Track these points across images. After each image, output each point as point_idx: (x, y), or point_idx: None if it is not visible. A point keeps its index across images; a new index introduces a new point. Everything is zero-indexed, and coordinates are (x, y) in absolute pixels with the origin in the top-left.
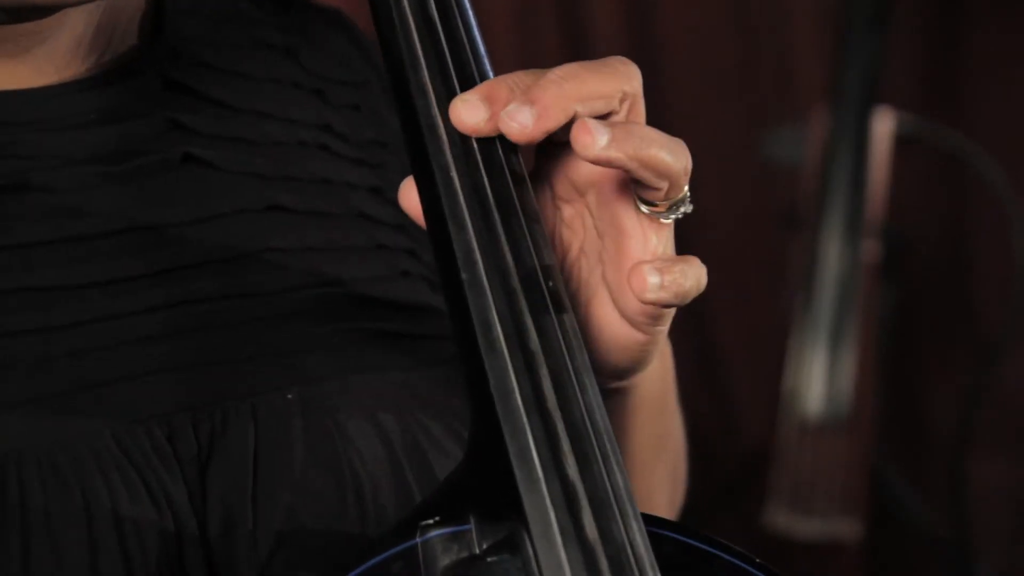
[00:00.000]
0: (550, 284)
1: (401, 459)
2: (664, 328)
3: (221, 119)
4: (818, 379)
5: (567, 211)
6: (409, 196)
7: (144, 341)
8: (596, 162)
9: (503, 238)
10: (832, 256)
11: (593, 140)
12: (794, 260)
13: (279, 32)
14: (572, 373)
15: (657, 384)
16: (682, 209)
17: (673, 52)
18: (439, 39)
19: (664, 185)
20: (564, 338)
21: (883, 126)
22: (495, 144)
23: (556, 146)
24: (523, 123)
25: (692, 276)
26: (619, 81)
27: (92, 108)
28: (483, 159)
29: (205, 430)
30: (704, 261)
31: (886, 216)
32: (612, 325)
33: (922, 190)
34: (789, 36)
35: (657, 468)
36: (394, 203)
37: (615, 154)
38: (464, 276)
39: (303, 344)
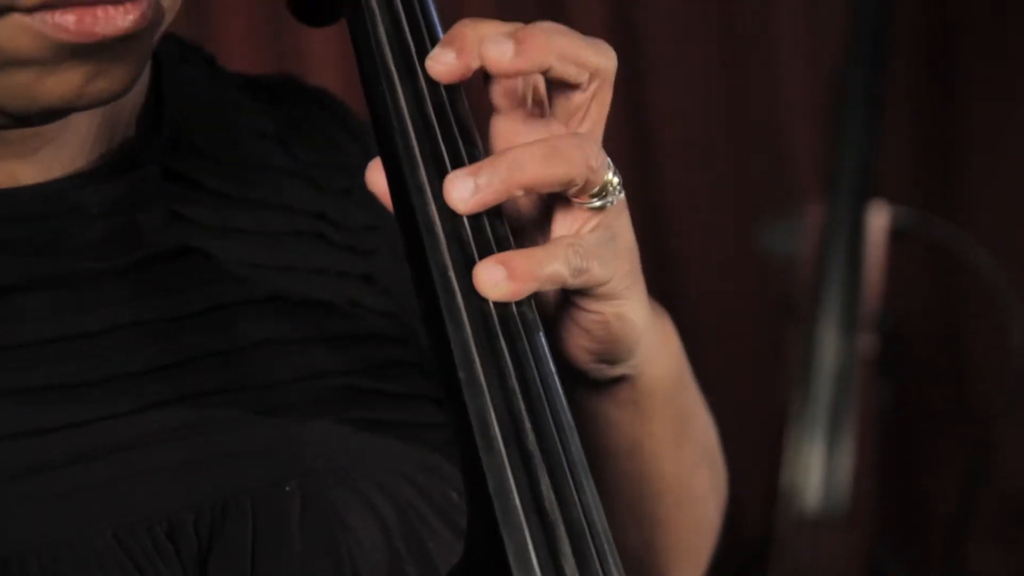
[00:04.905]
0: (547, 384)
1: (400, 548)
2: (627, 304)
3: (220, 209)
4: (816, 472)
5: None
6: (377, 179)
7: (144, 439)
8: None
9: (501, 337)
10: (829, 348)
11: (500, 54)
12: (791, 352)
13: (271, 121)
14: (569, 472)
15: (665, 365)
16: (609, 198)
17: (669, 143)
18: (436, 138)
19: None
20: (560, 437)
21: (878, 219)
22: (492, 244)
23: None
24: (503, 53)
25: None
26: (597, 55)
27: (96, 202)
28: (481, 257)
29: (205, 525)
30: (701, 352)
31: (882, 308)
32: (571, 309)
33: (918, 282)
34: (785, 129)
35: (684, 450)
36: (385, 291)
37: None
38: (462, 375)
39: (301, 436)
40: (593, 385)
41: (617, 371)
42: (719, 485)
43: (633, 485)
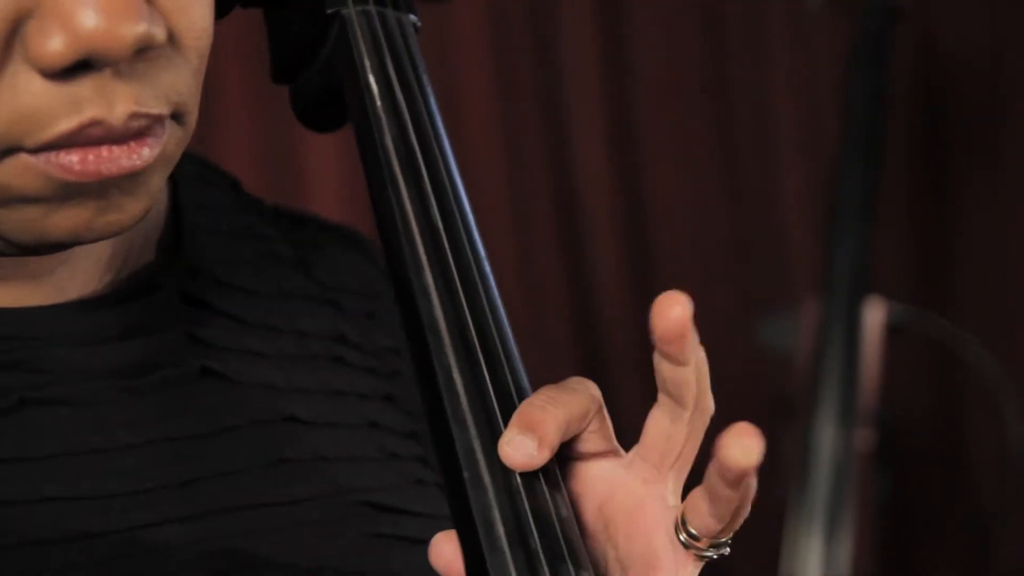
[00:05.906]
0: (550, 482)
1: None
2: None
3: (235, 333)
4: (815, 566)
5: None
6: (440, 552)
7: (165, 552)
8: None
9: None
10: (826, 444)
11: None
12: (788, 446)
13: (291, 247)
14: (573, 572)
15: None
16: (723, 550)
17: (668, 241)
18: (442, 243)
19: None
20: (564, 535)
21: (874, 315)
22: (499, 354)
23: (581, 465)
24: (528, 454)
25: None
26: (589, 400)
27: (113, 324)
28: (486, 362)
29: None
30: (699, 447)
31: (879, 404)
32: None
33: (915, 378)
34: (782, 226)
35: None
36: (407, 411)
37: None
38: (466, 475)
39: (321, 553)
40: None
41: None
42: None
43: None
